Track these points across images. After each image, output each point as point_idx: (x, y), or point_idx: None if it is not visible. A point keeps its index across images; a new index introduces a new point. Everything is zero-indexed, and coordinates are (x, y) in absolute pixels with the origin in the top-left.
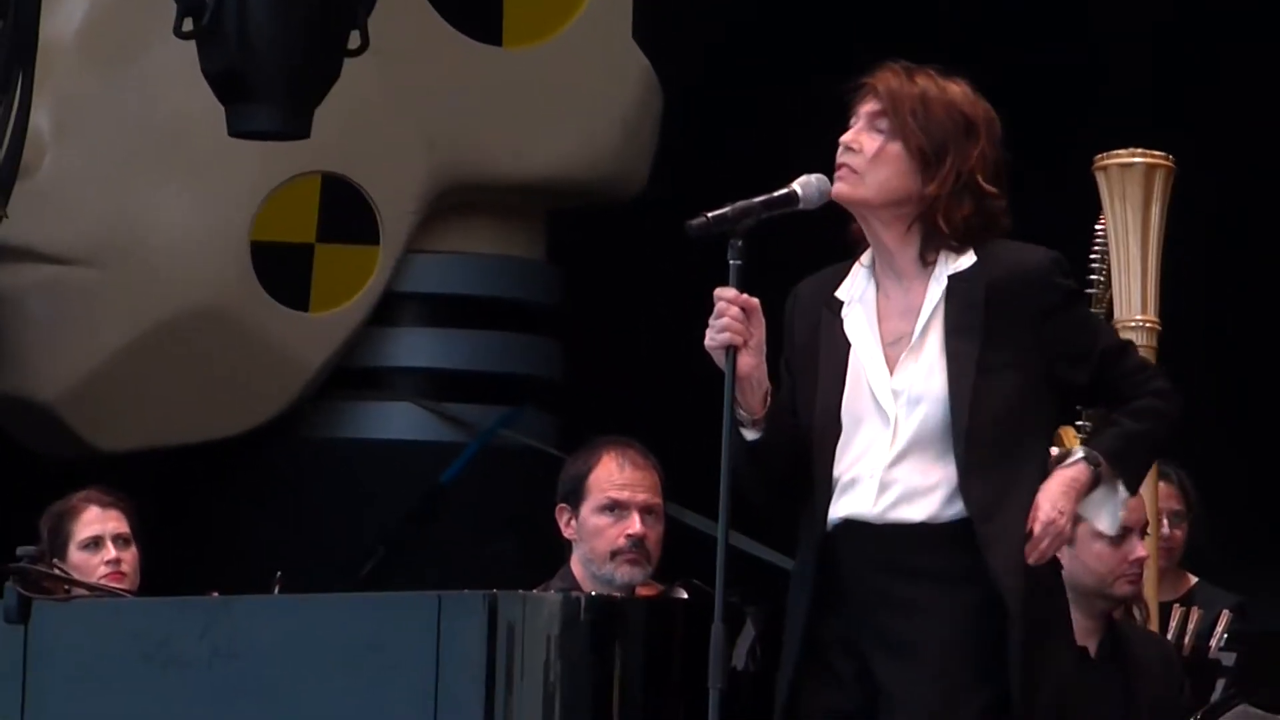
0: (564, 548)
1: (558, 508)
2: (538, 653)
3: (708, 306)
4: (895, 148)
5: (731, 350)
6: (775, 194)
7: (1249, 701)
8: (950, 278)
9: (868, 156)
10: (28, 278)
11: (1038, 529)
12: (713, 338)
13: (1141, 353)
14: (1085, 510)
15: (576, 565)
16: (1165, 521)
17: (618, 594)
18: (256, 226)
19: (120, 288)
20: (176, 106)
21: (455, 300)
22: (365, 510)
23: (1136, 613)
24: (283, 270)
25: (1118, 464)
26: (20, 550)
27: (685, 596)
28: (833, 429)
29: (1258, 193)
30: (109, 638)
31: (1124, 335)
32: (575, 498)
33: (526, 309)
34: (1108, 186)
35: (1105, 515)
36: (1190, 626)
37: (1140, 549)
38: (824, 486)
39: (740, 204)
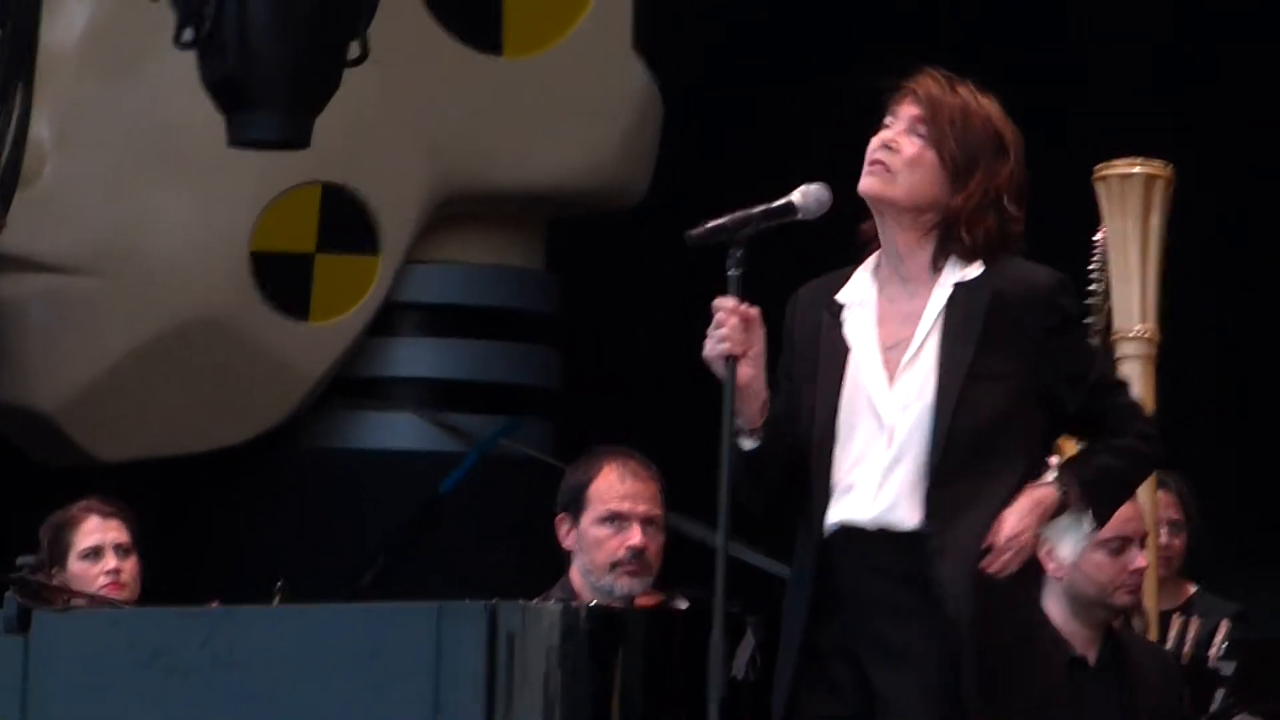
0: (564, 557)
1: (558, 518)
2: (538, 663)
3: (706, 315)
4: (931, 155)
5: (730, 360)
6: (773, 204)
7: (1248, 710)
8: (955, 285)
9: (905, 159)
10: (28, 287)
11: (1000, 542)
12: (712, 348)
13: (1141, 362)
14: (1050, 533)
15: (576, 575)
16: (1164, 531)
17: (617, 604)
18: (257, 236)
19: (120, 297)
20: (177, 116)
21: (455, 310)
22: (365, 520)
23: (1136, 622)
24: (283, 280)
25: (1089, 494)
26: (20, 560)
27: (685, 606)
28: (830, 434)
29: (1258, 193)
30: (110, 647)
31: (1123, 345)
32: (575, 508)
33: (526, 318)
34: (1107, 197)
35: (1068, 543)
36: (1190, 635)
37: (1140, 559)
38: (822, 491)
39: (739, 214)
